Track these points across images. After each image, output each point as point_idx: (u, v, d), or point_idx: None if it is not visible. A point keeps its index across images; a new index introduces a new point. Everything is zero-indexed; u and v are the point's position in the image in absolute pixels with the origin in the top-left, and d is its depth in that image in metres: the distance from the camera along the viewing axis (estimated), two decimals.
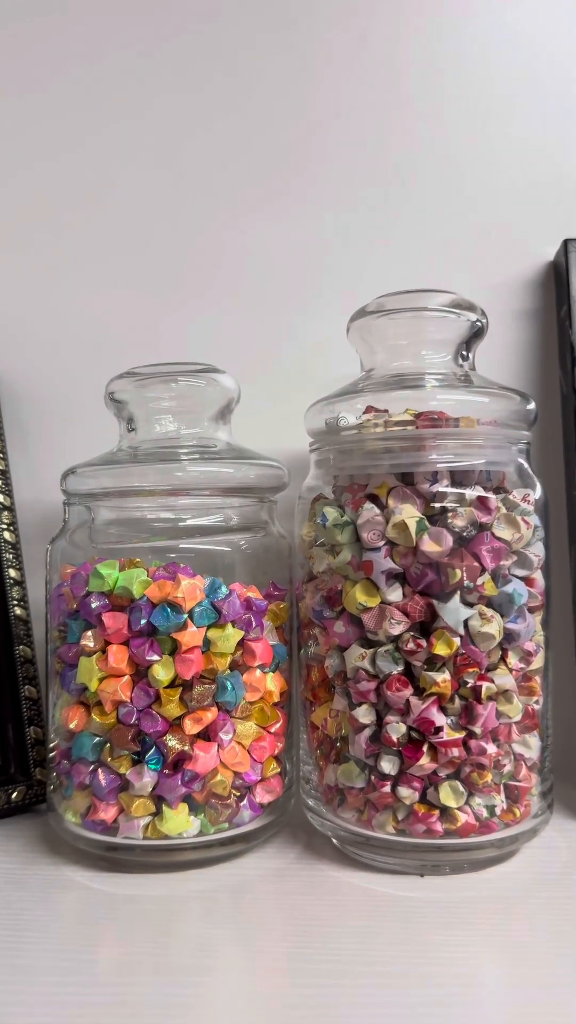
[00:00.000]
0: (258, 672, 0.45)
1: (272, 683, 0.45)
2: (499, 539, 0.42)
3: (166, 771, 0.42)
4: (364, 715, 0.43)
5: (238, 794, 0.44)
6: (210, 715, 0.43)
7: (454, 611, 0.41)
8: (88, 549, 0.47)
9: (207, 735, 0.43)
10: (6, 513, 0.56)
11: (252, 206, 0.60)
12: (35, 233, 0.61)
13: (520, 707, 0.43)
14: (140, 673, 0.43)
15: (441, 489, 0.42)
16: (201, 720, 0.43)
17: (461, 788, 0.42)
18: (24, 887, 0.43)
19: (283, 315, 0.59)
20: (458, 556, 0.41)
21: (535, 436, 0.58)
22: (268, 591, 0.47)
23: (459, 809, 0.42)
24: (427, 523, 0.41)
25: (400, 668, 0.42)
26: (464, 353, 0.47)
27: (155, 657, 0.42)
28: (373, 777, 0.43)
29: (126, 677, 0.43)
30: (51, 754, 0.47)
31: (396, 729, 0.42)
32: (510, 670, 0.43)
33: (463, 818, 0.42)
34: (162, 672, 0.42)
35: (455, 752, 0.41)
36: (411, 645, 0.41)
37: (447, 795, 0.42)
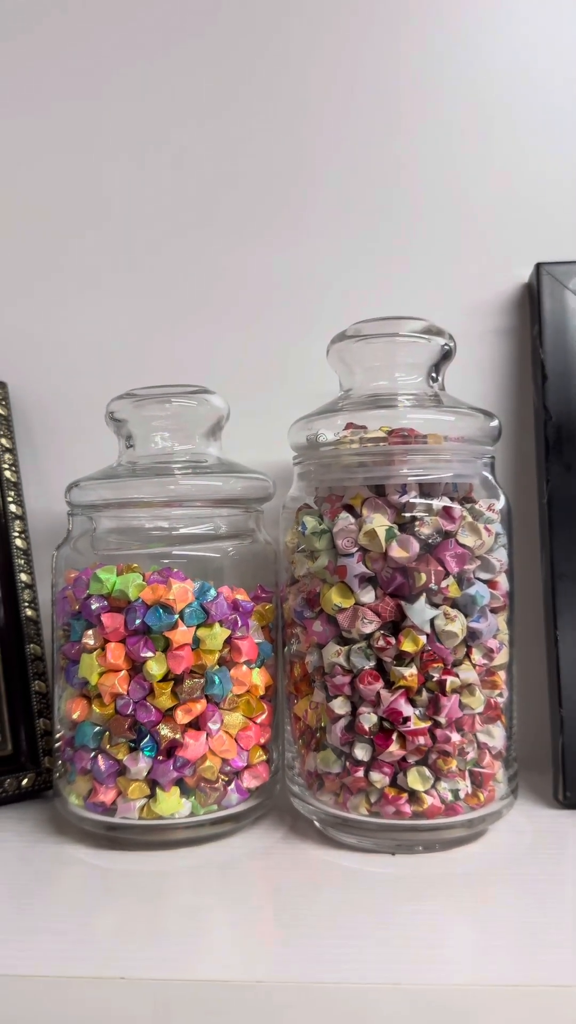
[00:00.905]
0: (244, 667, 0.49)
1: (258, 678, 0.50)
2: (463, 545, 0.46)
3: (159, 757, 0.47)
4: (340, 706, 0.47)
5: (226, 779, 0.48)
6: (199, 707, 0.47)
7: (420, 611, 0.45)
8: (90, 556, 0.51)
9: (197, 725, 0.47)
10: (18, 522, 0.61)
11: (246, 238, 0.64)
12: (44, 260, 0.65)
13: (483, 699, 0.47)
14: (136, 668, 0.47)
15: (409, 500, 0.46)
16: (191, 711, 0.47)
17: (428, 773, 0.46)
18: (31, 863, 0.47)
19: (272, 337, 0.63)
20: (424, 561, 0.45)
21: (513, 449, 0.62)
22: (256, 593, 0.52)
23: (426, 792, 0.46)
24: (396, 531, 0.45)
25: (372, 663, 0.46)
26: (434, 375, 0.51)
27: (149, 654, 0.47)
28: (348, 763, 0.47)
29: (123, 672, 0.47)
30: (57, 743, 0.51)
31: (368, 719, 0.46)
32: (474, 665, 0.47)
33: (429, 801, 0.46)
34: (155, 667, 0.46)
35: (421, 740, 0.45)
36: (382, 642, 0.45)
37: (415, 779, 0.46)
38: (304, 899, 0.42)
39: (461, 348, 0.61)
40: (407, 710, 0.45)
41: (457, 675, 0.46)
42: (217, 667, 0.48)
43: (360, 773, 0.46)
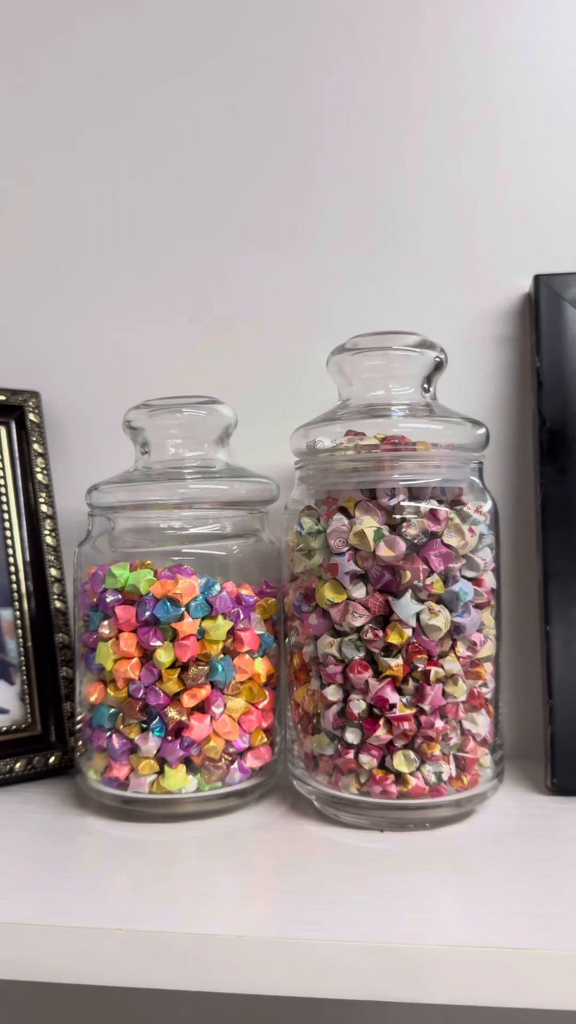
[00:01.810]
0: (247, 656, 0.53)
1: (260, 666, 0.54)
2: (447, 545, 0.49)
3: (168, 737, 0.51)
4: (332, 694, 0.51)
5: (229, 758, 0.53)
6: (204, 692, 0.51)
7: (406, 606, 0.49)
8: (108, 553, 0.56)
9: (202, 708, 0.52)
10: (48, 521, 0.66)
11: (254, 258, 0.68)
12: (75, 279, 0.70)
13: (465, 689, 0.50)
14: (146, 656, 0.52)
15: (398, 503, 0.50)
16: (197, 696, 0.51)
17: (413, 756, 0.49)
18: (54, 831, 0.52)
19: (279, 349, 0.67)
20: (411, 560, 0.49)
21: (515, 453, 0.65)
22: (261, 588, 0.56)
23: (411, 774, 0.49)
24: (384, 532, 0.49)
25: (362, 654, 0.50)
26: (426, 385, 0.55)
27: (158, 643, 0.51)
28: (340, 746, 0.51)
29: (135, 659, 0.52)
30: (78, 724, 0.56)
31: (358, 705, 0.49)
32: (458, 657, 0.50)
33: (413, 782, 0.49)
34: (164, 655, 0.51)
35: (406, 726, 0.49)
36: (370, 635, 0.49)
37: (400, 762, 0.49)
38: (295, 868, 0.46)
39: (465, 355, 0.64)
40: (393, 697, 0.49)
41: (441, 666, 0.49)
42: (221, 656, 0.52)
43: (351, 755, 0.50)
